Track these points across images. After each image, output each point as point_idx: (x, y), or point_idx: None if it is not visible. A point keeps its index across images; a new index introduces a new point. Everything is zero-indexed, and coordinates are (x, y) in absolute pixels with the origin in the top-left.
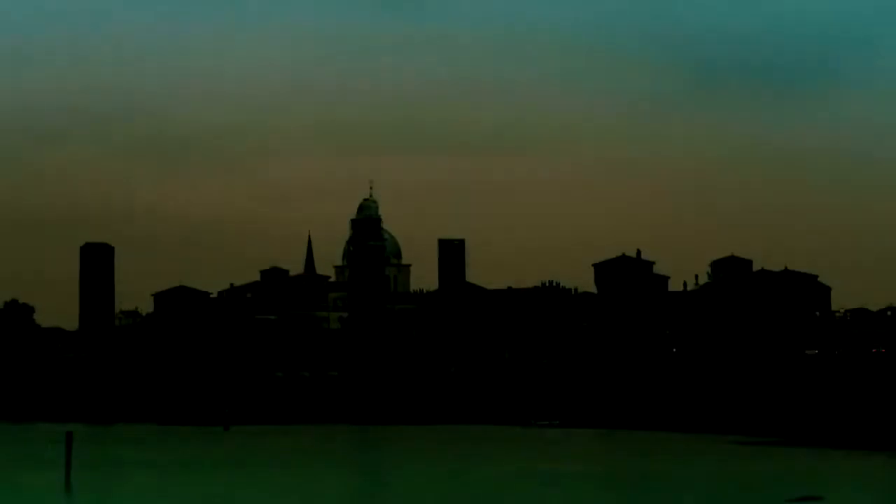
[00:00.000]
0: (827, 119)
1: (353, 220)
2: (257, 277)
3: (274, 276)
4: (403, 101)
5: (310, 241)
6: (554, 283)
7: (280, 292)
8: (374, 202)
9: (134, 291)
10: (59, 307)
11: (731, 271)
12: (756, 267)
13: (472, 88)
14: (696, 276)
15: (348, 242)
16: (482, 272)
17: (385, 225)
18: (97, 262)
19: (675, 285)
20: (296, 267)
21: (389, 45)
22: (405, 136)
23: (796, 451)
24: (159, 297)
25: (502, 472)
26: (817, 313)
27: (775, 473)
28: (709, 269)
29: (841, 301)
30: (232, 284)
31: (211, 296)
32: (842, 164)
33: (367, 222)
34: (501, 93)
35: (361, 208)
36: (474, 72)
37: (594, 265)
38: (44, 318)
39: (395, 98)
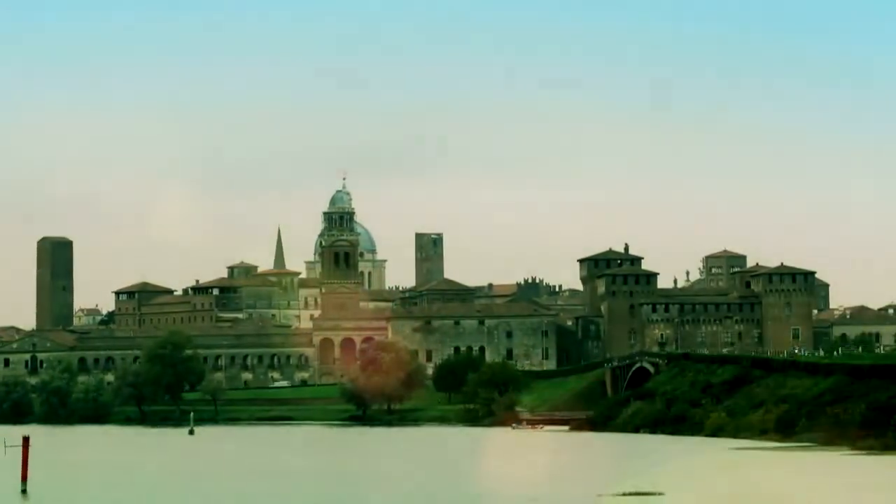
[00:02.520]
0: None
1: (325, 213)
2: (224, 273)
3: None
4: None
5: (279, 236)
6: (536, 280)
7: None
8: (348, 194)
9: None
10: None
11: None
12: (750, 262)
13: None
14: (688, 272)
15: (320, 236)
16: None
17: (358, 219)
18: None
19: (664, 281)
20: (265, 262)
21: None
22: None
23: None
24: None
25: None
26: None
27: None
28: (700, 265)
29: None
30: (197, 281)
31: (175, 292)
32: None
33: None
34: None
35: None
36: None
37: (579, 260)
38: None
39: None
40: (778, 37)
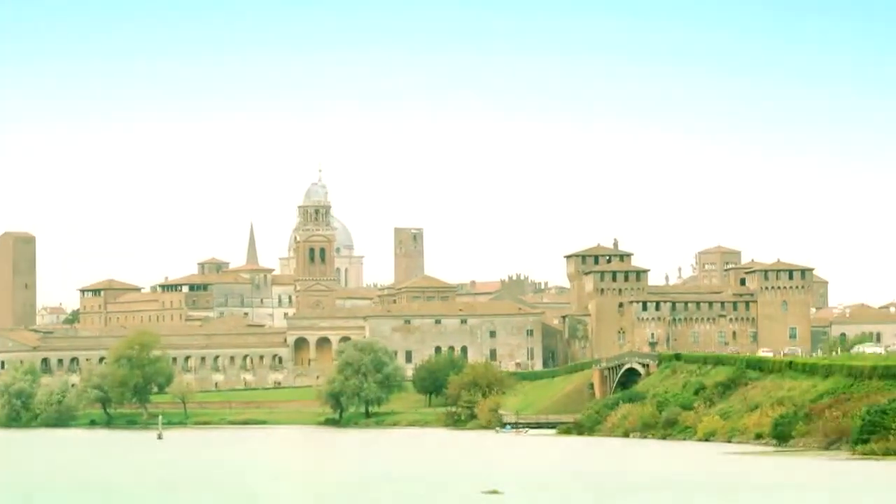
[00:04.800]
0: None
1: (300, 207)
2: (194, 270)
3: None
4: None
5: (252, 231)
6: (521, 277)
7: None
8: (324, 187)
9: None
10: None
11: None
12: (745, 258)
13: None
14: (680, 269)
15: (294, 231)
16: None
17: (335, 212)
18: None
19: (655, 278)
20: (236, 258)
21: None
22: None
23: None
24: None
25: None
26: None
27: None
28: (693, 261)
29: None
30: (166, 278)
31: (142, 290)
32: None
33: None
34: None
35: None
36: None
37: (566, 256)
38: None
39: None
40: (773, 32)
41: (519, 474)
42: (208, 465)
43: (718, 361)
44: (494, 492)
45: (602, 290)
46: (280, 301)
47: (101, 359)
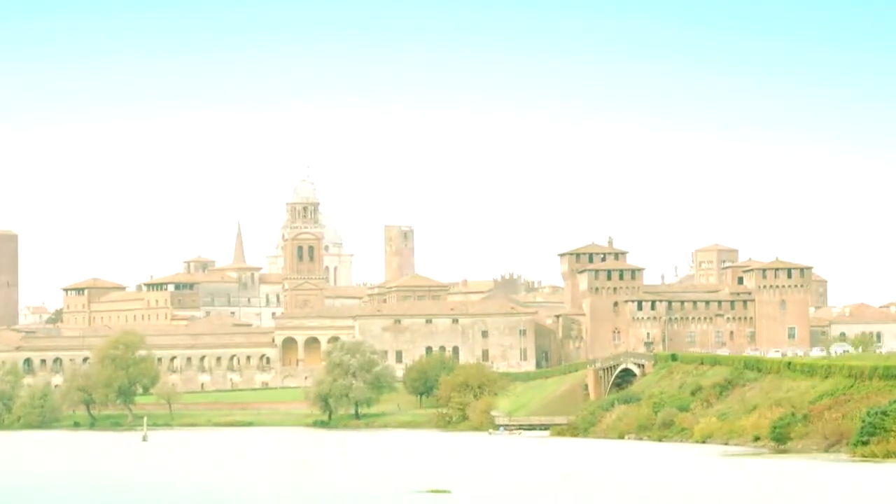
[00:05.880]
0: None
1: (288, 204)
2: (180, 268)
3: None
4: None
5: (239, 228)
6: (514, 275)
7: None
8: (312, 184)
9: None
10: None
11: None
12: (743, 257)
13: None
14: (676, 267)
15: (282, 229)
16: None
17: (323, 210)
18: None
19: (651, 277)
20: (223, 257)
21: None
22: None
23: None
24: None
25: None
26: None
27: None
28: (690, 260)
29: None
30: (152, 276)
31: (127, 289)
32: None
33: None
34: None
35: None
36: None
37: (560, 255)
38: None
39: None
40: (771, 28)
41: (476, 474)
42: (192, 469)
43: (715, 362)
44: (441, 491)
45: (596, 289)
46: (268, 300)
47: (85, 359)
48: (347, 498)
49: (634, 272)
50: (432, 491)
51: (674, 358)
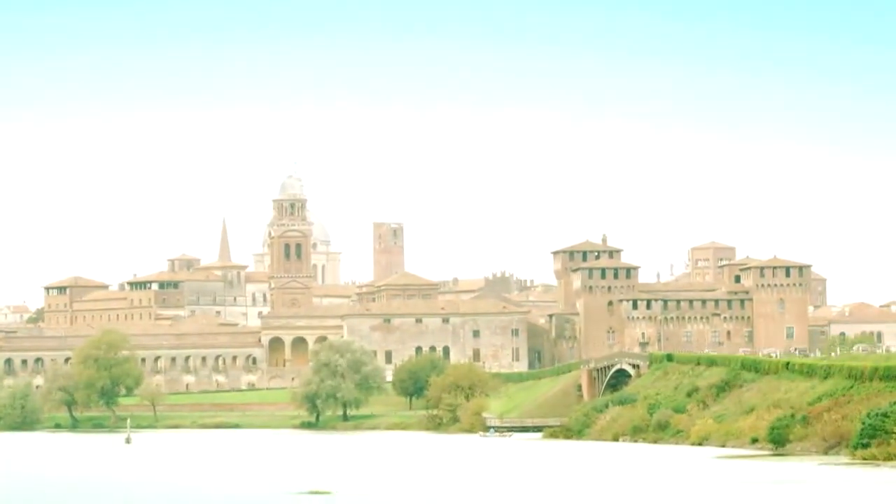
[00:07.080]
0: None
1: (274, 201)
2: (164, 267)
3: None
4: None
5: (224, 226)
6: (506, 274)
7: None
8: (299, 180)
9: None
10: None
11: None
12: (740, 255)
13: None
14: (672, 266)
15: (269, 226)
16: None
17: (311, 207)
18: None
19: (646, 276)
20: (208, 255)
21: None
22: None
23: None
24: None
25: None
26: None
27: None
28: (686, 258)
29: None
30: (135, 275)
31: (110, 287)
32: None
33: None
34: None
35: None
36: None
37: (553, 253)
38: None
39: None
40: (768, 25)
41: (366, 474)
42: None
43: (712, 362)
44: (321, 492)
45: (590, 287)
46: (254, 299)
47: (67, 359)
48: (226, 499)
49: (629, 271)
50: (313, 492)
51: (669, 358)
